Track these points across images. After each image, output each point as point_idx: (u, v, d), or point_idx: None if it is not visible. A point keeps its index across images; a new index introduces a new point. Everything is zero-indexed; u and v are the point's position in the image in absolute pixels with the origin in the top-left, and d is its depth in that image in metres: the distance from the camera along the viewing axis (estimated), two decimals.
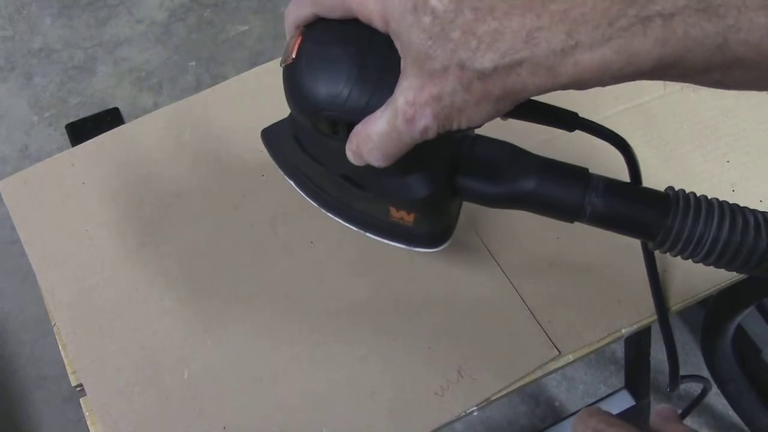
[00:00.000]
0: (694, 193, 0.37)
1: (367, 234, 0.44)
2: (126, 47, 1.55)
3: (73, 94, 1.51)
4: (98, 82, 1.52)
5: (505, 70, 0.29)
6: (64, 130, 1.44)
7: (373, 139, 0.33)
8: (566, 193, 0.37)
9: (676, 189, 0.37)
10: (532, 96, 0.30)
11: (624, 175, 0.39)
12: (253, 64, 1.10)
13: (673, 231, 0.36)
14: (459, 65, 0.29)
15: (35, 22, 1.58)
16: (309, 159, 0.41)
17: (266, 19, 1.59)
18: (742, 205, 0.36)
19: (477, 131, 0.40)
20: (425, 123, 0.31)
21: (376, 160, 0.34)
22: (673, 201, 0.37)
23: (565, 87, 0.29)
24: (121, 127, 0.63)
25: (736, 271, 0.37)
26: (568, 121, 0.37)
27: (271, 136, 0.45)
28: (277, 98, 0.39)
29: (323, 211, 0.44)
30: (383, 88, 0.32)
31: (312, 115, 0.34)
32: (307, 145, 0.41)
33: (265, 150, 0.45)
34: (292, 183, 0.45)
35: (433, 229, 0.42)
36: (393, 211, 0.40)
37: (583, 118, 0.37)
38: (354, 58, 0.33)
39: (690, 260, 0.37)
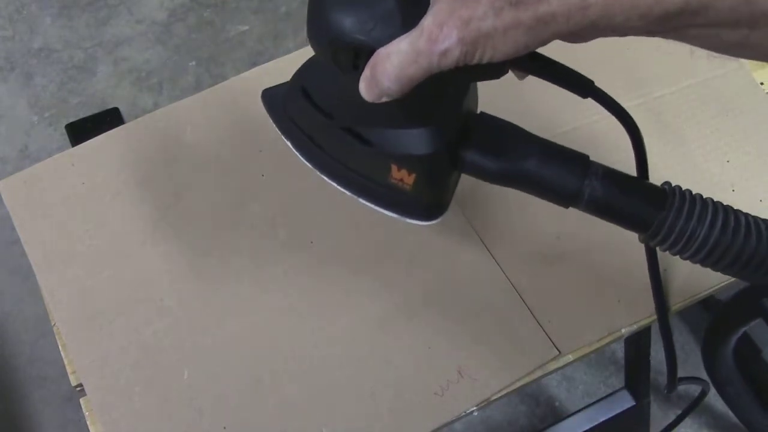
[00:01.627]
0: (689, 191, 0.37)
1: (360, 200, 0.43)
2: (126, 47, 1.55)
3: (73, 94, 1.51)
4: (98, 82, 1.51)
5: None
6: (64, 130, 1.44)
7: (391, 58, 0.32)
8: (565, 175, 0.38)
9: (673, 185, 0.38)
10: (560, 33, 0.30)
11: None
12: (253, 64, 1.10)
13: (666, 224, 0.36)
14: None
15: (35, 22, 1.58)
16: (314, 111, 0.40)
17: (266, 19, 1.58)
18: (741, 204, 0.37)
19: (482, 109, 0.40)
20: (448, 44, 0.31)
21: (391, 82, 0.33)
22: (669, 195, 0.37)
23: (593, 24, 0.29)
24: (121, 127, 0.63)
25: (722, 272, 0.37)
26: (584, 86, 0.37)
27: (272, 96, 0.44)
28: None
29: (318, 172, 0.44)
30: (412, 22, 0.32)
31: (334, 41, 0.34)
32: (315, 95, 0.40)
33: (265, 150, 0.45)
34: (288, 144, 0.44)
35: (429, 197, 0.42)
36: (394, 169, 0.40)
37: (599, 88, 0.37)
38: None
39: (678, 257, 0.37)
